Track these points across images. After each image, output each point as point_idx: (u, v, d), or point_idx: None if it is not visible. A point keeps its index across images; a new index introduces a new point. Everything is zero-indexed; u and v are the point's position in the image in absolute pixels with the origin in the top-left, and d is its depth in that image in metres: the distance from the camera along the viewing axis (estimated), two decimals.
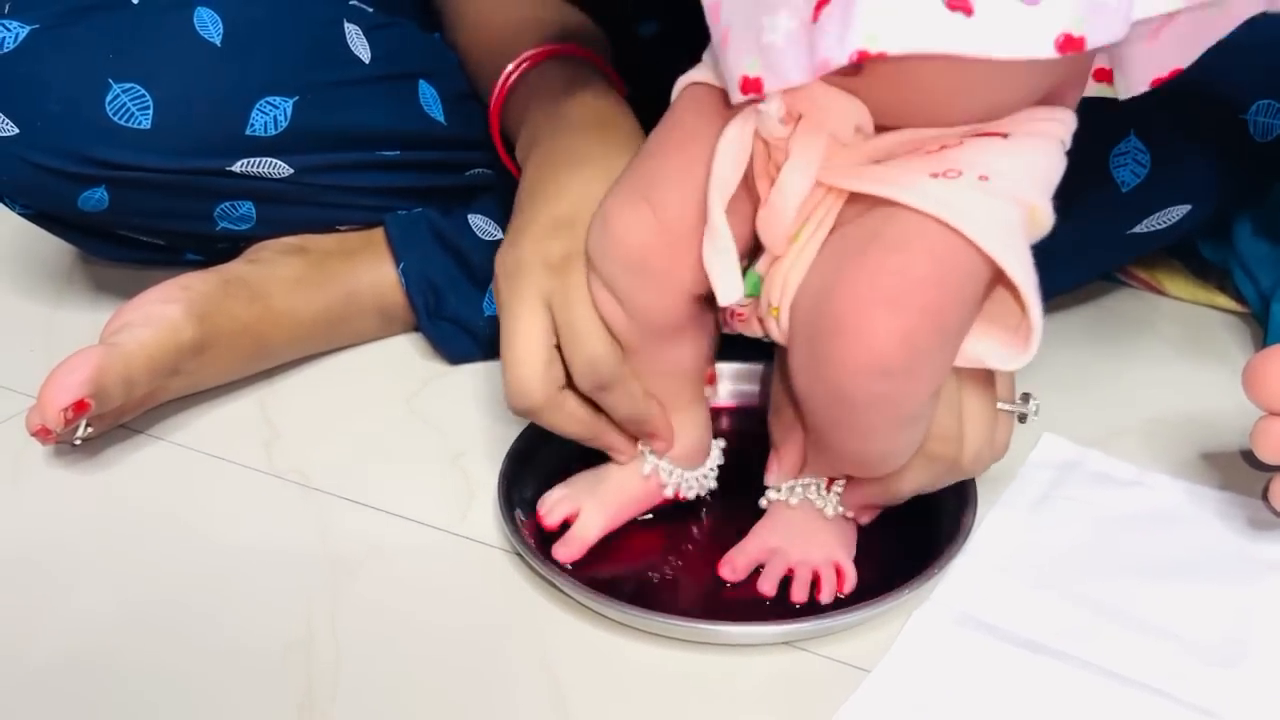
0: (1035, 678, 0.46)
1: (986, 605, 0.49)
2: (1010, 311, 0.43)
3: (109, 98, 0.60)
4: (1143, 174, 0.61)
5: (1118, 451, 0.59)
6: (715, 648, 0.48)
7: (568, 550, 0.52)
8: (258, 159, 0.64)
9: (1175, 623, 0.48)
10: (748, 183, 0.44)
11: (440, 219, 0.70)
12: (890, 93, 0.41)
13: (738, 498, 0.54)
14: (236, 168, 0.63)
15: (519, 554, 0.52)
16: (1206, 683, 0.45)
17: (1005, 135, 0.42)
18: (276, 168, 0.65)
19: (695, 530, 0.55)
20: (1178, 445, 0.59)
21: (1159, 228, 0.63)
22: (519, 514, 0.53)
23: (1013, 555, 0.52)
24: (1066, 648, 0.47)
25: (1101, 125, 0.58)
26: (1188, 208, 0.62)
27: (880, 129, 0.43)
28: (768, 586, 0.50)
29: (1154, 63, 0.43)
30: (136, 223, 0.68)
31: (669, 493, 0.53)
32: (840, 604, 0.49)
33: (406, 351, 0.70)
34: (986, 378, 0.48)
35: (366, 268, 0.69)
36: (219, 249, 0.70)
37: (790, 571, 0.50)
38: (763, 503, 0.52)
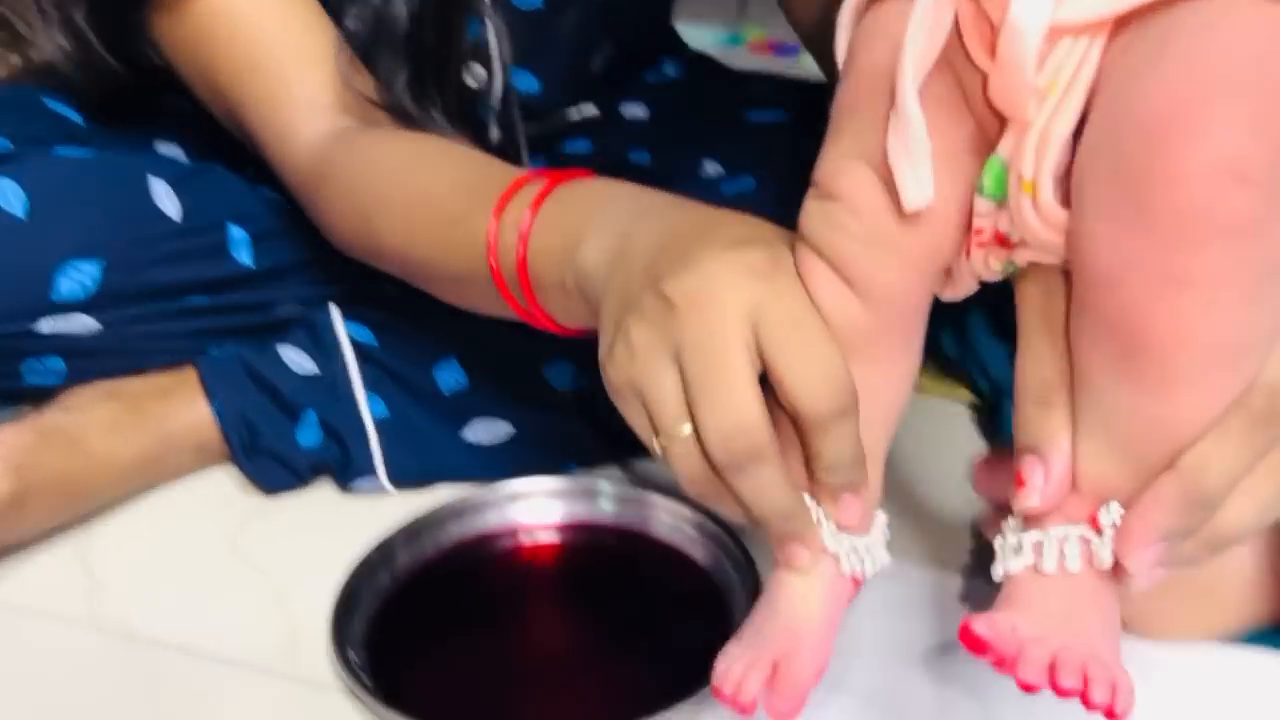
0: None
1: None
2: None
3: None
4: None
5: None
6: None
7: (788, 704, 0.42)
8: (66, 316, 0.66)
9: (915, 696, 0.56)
10: (952, 65, 0.37)
11: (251, 354, 0.73)
12: None
13: (567, 609, 0.57)
14: (43, 328, 0.65)
15: (352, 693, 0.56)
16: None
17: None
18: (85, 324, 0.67)
19: (527, 649, 0.58)
20: (924, 535, 0.69)
21: None
22: (351, 654, 0.57)
23: None
24: None
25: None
26: None
27: None
28: (1034, 677, 0.37)
29: None
30: None
31: (850, 571, 0.44)
32: (648, 703, 0.52)
33: (223, 485, 0.72)
34: None
35: (181, 407, 0.72)
36: (26, 396, 0.72)
37: (1054, 664, 0.37)
38: (998, 572, 0.40)
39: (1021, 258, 0.39)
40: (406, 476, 0.71)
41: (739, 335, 0.40)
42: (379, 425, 0.71)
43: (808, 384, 0.40)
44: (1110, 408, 0.37)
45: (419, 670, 0.57)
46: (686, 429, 0.41)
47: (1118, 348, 0.36)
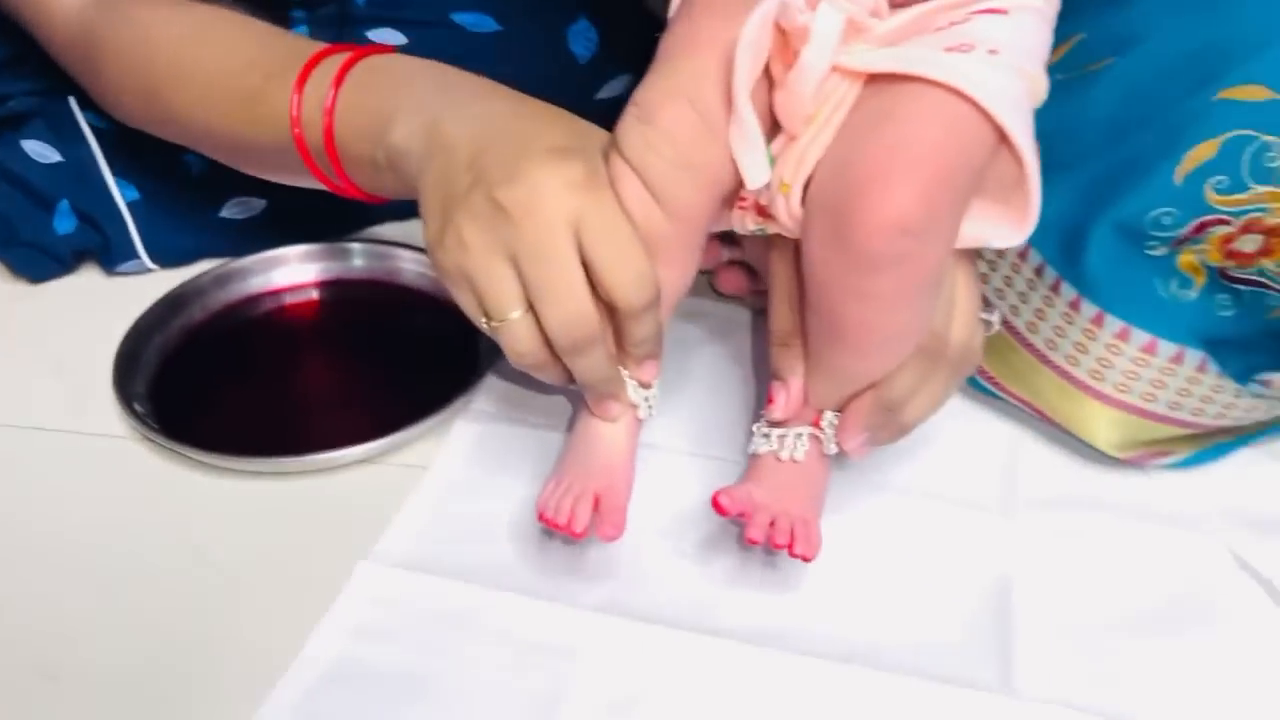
0: (550, 448, 0.64)
1: (513, 404, 0.67)
2: (1005, 189, 0.47)
3: None
4: (593, 48, 0.78)
5: None
6: (316, 474, 0.61)
7: (615, 528, 0.52)
8: None
9: None
10: (765, 68, 0.47)
11: None
12: None
13: (331, 353, 0.64)
14: None
15: (143, 437, 0.63)
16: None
17: (1005, 11, 0.47)
18: None
19: (296, 389, 0.66)
20: None
21: (619, 93, 0.81)
22: (136, 406, 0.63)
23: None
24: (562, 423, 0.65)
25: (558, 9, 0.74)
26: (630, 77, 0.81)
27: (895, 6, 0.47)
28: (757, 536, 0.52)
29: None
30: None
31: (643, 416, 0.55)
32: (405, 421, 0.62)
33: None
34: (973, 282, 0.52)
35: None
36: None
37: (773, 523, 0.52)
38: (751, 449, 0.55)
39: (772, 228, 0.51)
40: (168, 255, 0.76)
41: (568, 242, 0.48)
42: (132, 207, 0.74)
43: (623, 283, 0.49)
44: (825, 358, 0.51)
45: (201, 414, 0.65)
46: (515, 314, 0.49)
47: (826, 327, 0.50)
